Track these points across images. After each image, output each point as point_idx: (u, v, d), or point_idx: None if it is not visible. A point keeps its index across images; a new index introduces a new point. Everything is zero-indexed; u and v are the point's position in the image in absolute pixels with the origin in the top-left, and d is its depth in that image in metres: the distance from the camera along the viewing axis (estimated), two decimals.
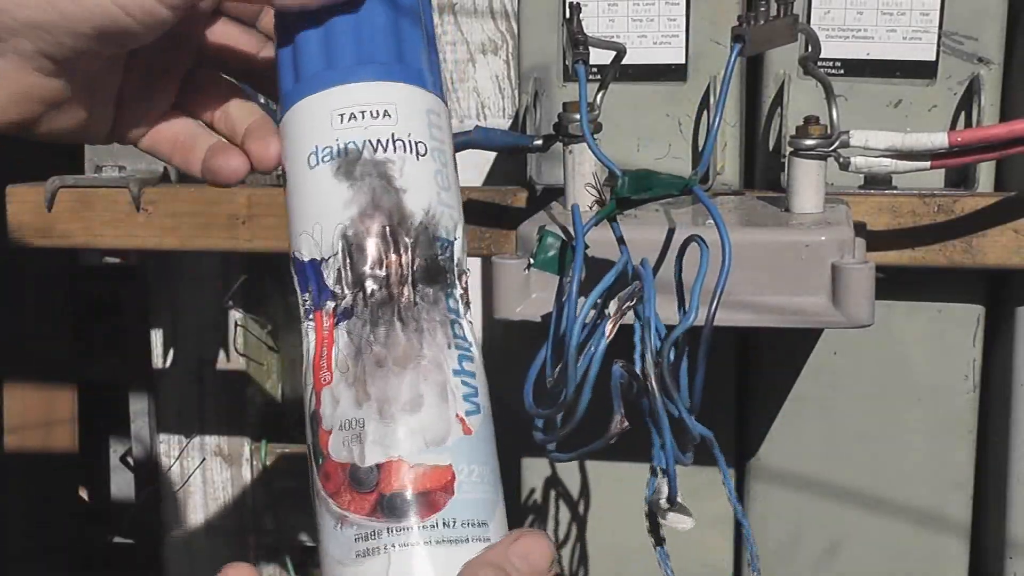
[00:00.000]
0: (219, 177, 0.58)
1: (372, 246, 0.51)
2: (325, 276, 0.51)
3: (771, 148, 1.10)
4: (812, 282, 0.86)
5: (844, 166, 0.96)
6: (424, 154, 0.52)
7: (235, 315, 1.50)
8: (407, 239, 0.51)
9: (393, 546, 0.48)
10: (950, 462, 1.12)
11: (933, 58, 1.06)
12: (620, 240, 0.75)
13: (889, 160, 0.95)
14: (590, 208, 0.86)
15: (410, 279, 0.51)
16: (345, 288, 0.51)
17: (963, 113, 1.07)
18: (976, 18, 1.05)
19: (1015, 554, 1.11)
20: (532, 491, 1.23)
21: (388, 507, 0.48)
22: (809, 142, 0.95)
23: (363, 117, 0.52)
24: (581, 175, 0.96)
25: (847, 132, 0.94)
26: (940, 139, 0.92)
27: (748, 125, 1.13)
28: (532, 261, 0.78)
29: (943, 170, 1.06)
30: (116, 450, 2.09)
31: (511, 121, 1.38)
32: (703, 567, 1.18)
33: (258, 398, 1.54)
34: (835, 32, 1.07)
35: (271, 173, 0.59)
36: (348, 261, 0.51)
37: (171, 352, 1.53)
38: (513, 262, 0.89)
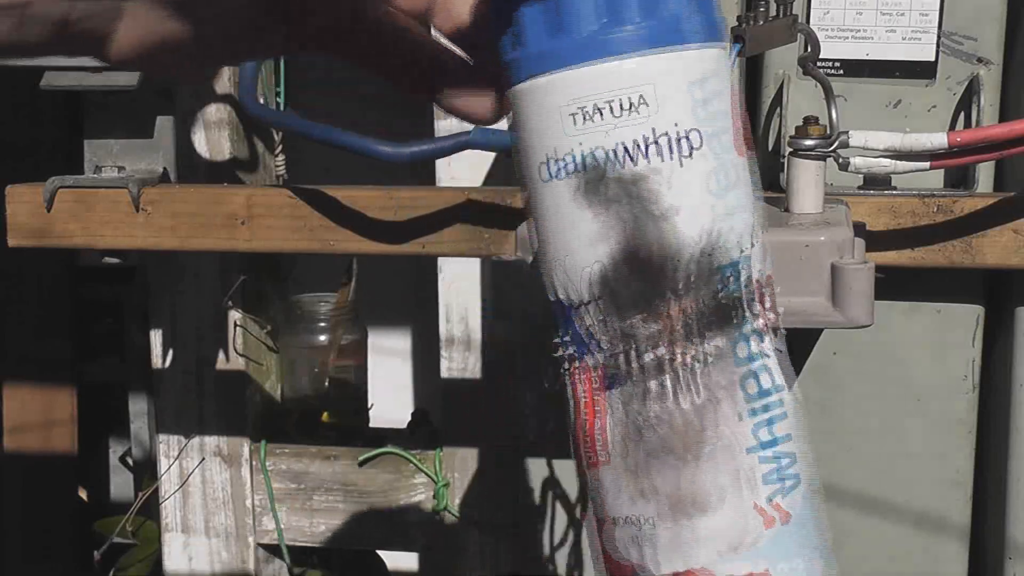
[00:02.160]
0: (470, 116, 0.45)
1: (633, 295, 0.40)
2: (578, 325, 0.41)
3: (770, 148, 1.10)
4: (812, 282, 0.86)
5: (843, 166, 0.96)
6: (695, 150, 0.39)
7: (234, 315, 1.50)
8: (678, 280, 0.40)
9: None
10: (950, 462, 1.12)
11: (932, 58, 1.06)
12: None
13: (888, 160, 0.95)
14: None
15: (686, 333, 0.40)
16: (612, 341, 0.40)
17: (962, 113, 1.07)
18: (975, 19, 1.05)
19: (1014, 554, 1.11)
20: (530, 492, 1.23)
21: None
22: (808, 142, 0.95)
23: (607, 113, 0.39)
24: None
25: (846, 132, 0.94)
26: (939, 139, 0.92)
27: (748, 125, 1.13)
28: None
29: (943, 170, 1.06)
30: (115, 450, 2.09)
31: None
32: None
33: (257, 398, 1.54)
34: (834, 32, 1.07)
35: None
36: (607, 312, 0.40)
37: (170, 352, 1.53)
38: None
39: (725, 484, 0.40)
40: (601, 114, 0.39)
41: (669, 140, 0.39)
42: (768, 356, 0.41)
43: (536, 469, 1.22)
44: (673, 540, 0.40)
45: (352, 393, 1.58)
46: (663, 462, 0.40)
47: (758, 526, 0.40)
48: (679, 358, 0.40)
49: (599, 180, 0.39)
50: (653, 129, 0.39)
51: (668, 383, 0.40)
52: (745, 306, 0.41)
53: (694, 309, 0.40)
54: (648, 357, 0.40)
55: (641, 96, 0.39)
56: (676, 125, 0.39)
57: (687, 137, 0.39)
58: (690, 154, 0.39)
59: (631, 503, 0.41)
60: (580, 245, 0.40)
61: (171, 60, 0.44)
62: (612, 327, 0.40)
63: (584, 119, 0.39)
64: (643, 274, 0.40)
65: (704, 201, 0.40)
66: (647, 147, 0.39)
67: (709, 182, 0.40)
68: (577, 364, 0.41)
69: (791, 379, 0.42)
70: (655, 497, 0.41)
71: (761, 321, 0.41)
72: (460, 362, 1.43)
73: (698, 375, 0.40)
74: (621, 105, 0.39)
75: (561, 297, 0.41)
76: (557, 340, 0.42)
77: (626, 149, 0.39)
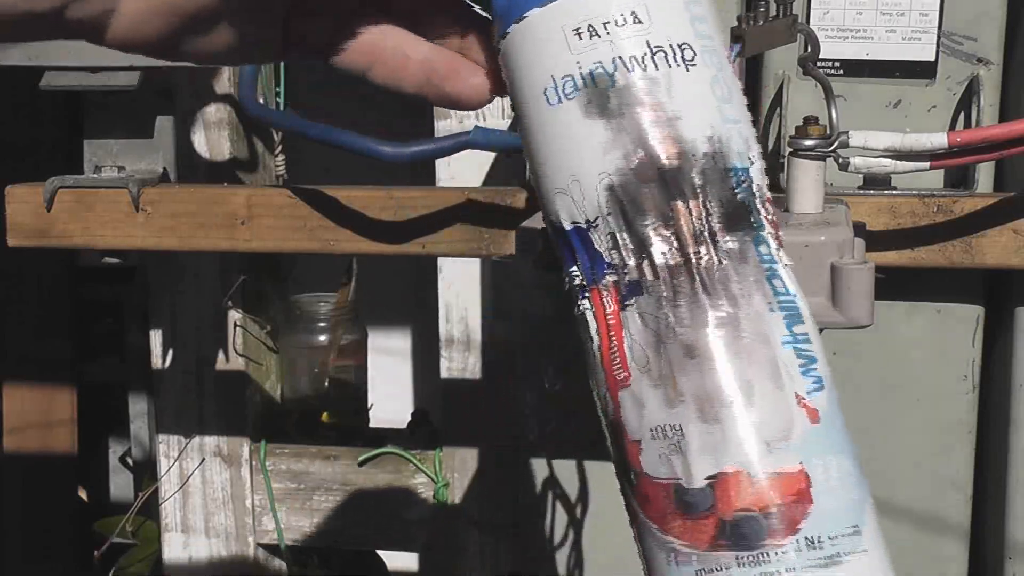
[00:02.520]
0: (460, 102, 0.45)
1: (650, 197, 0.40)
2: (596, 244, 0.41)
3: (770, 148, 1.10)
4: (811, 283, 0.86)
5: (843, 166, 0.96)
6: (693, 61, 0.41)
7: (234, 315, 1.50)
8: (694, 179, 0.40)
9: None
10: (949, 463, 1.12)
11: (932, 58, 1.06)
12: None
13: (888, 160, 0.95)
14: None
15: (707, 232, 0.40)
16: (626, 255, 0.41)
17: (962, 113, 1.07)
18: (975, 19, 1.05)
19: (1014, 554, 1.11)
20: (531, 492, 1.23)
21: (733, 533, 0.39)
22: (808, 142, 0.95)
23: (608, 29, 0.40)
24: None
25: (846, 132, 0.94)
26: (939, 139, 0.92)
27: None
28: None
29: (942, 170, 1.06)
30: (115, 450, 2.09)
31: (511, 121, 1.38)
32: None
33: (257, 398, 1.54)
34: (834, 32, 1.07)
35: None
36: (623, 221, 0.40)
37: (170, 352, 1.53)
38: None
39: (758, 376, 0.40)
40: (599, 32, 0.40)
41: (666, 52, 0.40)
42: (787, 264, 0.42)
43: (536, 469, 1.22)
44: (706, 444, 0.39)
45: (352, 393, 1.58)
46: (695, 363, 0.40)
47: (799, 420, 0.40)
48: (703, 256, 0.40)
49: (606, 92, 0.40)
50: (649, 42, 0.40)
51: (693, 283, 0.40)
52: (760, 209, 0.41)
53: (711, 209, 0.40)
54: (670, 261, 0.40)
55: (634, 13, 0.40)
56: (671, 39, 0.40)
57: (685, 47, 0.41)
58: (689, 64, 0.41)
59: (659, 414, 0.40)
60: (592, 159, 0.41)
61: (208, 40, 0.44)
62: (630, 237, 0.40)
63: (585, 36, 0.40)
64: (657, 176, 0.40)
65: (708, 105, 0.41)
66: (647, 58, 0.40)
67: (711, 89, 0.41)
68: (595, 287, 0.41)
69: (800, 291, 0.42)
70: (681, 402, 0.40)
71: (772, 230, 0.42)
72: (460, 362, 1.43)
73: (726, 271, 0.40)
74: (616, 22, 0.40)
75: (577, 222, 0.41)
76: (568, 273, 0.42)
77: (628, 60, 0.40)
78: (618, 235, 0.41)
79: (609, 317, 0.41)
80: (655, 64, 0.40)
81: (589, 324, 0.42)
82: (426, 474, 1.46)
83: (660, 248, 0.40)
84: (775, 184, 1.08)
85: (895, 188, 1.05)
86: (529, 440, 1.24)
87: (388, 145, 1.01)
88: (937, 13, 1.06)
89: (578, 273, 0.42)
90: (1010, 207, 1.00)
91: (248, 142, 1.47)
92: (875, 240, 1.01)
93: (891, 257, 1.02)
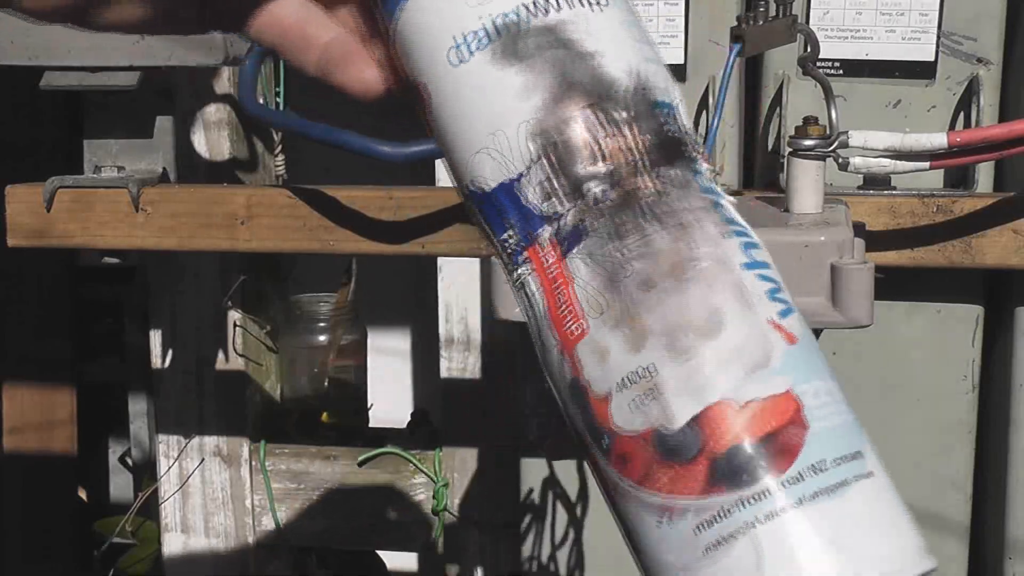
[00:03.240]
0: (349, 93, 0.44)
1: (579, 134, 0.37)
2: (529, 197, 0.38)
3: (770, 148, 1.10)
4: (811, 282, 0.86)
5: (843, 166, 0.96)
6: (606, 2, 0.39)
7: (234, 315, 1.50)
8: (623, 113, 0.38)
9: (755, 522, 0.35)
10: (949, 462, 1.12)
11: (932, 58, 1.06)
12: None
13: (888, 160, 0.95)
14: None
15: (646, 162, 0.38)
16: (561, 202, 0.38)
17: (962, 113, 1.07)
18: (975, 19, 1.05)
19: (1014, 554, 1.11)
20: (531, 491, 1.23)
21: (728, 472, 0.35)
22: (808, 142, 0.95)
23: None
24: None
25: (846, 132, 0.95)
26: (939, 139, 0.92)
27: (747, 125, 1.13)
28: None
29: (942, 170, 1.06)
30: (115, 450, 2.09)
31: None
32: None
33: (257, 398, 1.54)
34: (834, 32, 1.07)
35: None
36: (554, 165, 0.38)
37: (170, 353, 1.53)
38: None
39: (725, 301, 0.37)
40: None
41: None
42: (731, 202, 0.39)
43: (536, 469, 1.22)
44: (681, 381, 0.36)
45: (352, 393, 1.58)
46: (656, 295, 0.37)
47: (777, 343, 0.37)
48: (643, 188, 0.37)
49: (517, 37, 0.38)
50: None
51: (639, 214, 0.37)
52: (692, 146, 0.39)
53: (645, 141, 0.38)
54: (610, 197, 0.37)
55: None
56: None
57: None
58: (601, 4, 0.39)
59: (624, 360, 0.37)
60: (512, 107, 0.38)
61: (118, 10, 0.42)
62: (564, 181, 0.38)
63: None
64: (584, 113, 0.38)
65: (625, 44, 0.39)
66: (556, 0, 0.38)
67: (627, 30, 0.39)
68: (532, 246, 0.38)
69: (746, 221, 0.40)
70: (648, 340, 0.36)
71: (708, 169, 0.39)
72: (460, 362, 1.43)
73: (672, 199, 0.37)
74: None
75: (504, 180, 0.38)
76: (500, 241, 0.39)
77: (534, 3, 0.38)
78: (551, 181, 0.38)
79: (552, 272, 0.38)
80: (570, 4, 0.38)
81: (530, 287, 0.39)
82: (426, 474, 1.46)
83: (599, 186, 0.37)
84: (775, 184, 1.08)
85: (895, 188, 1.05)
86: (529, 440, 1.24)
87: (388, 145, 1.01)
88: (937, 13, 1.06)
89: (511, 236, 0.39)
90: (1010, 207, 1.00)
91: (248, 142, 1.47)
92: (875, 240, 1.01)
93: (891, 257, 1.02)
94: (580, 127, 0.37)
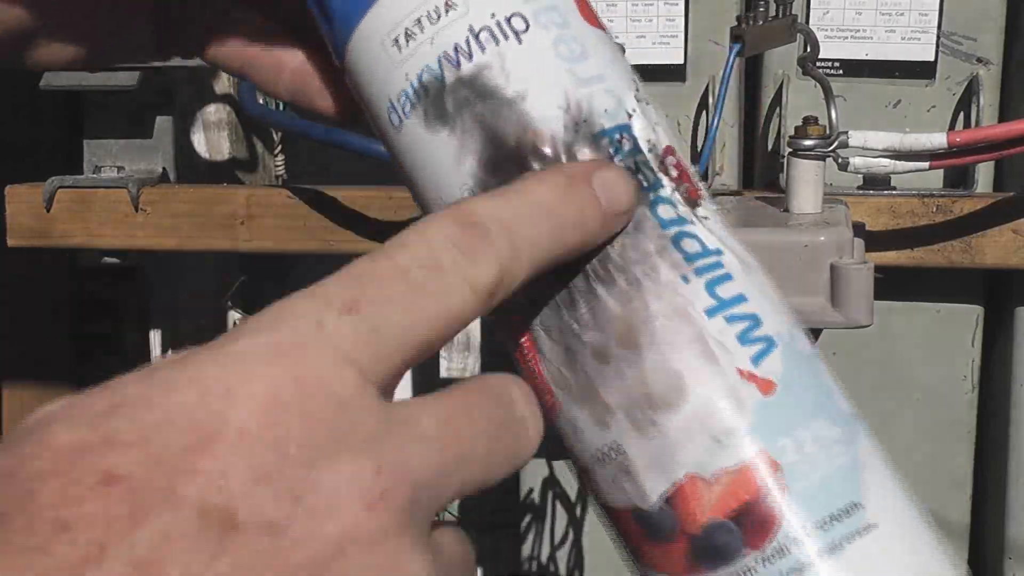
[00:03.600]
0: (323, 116, 0.43)
1: None
2: None
3: (770, 148, 1.10)
4: (811, 283, 0.86)
5: (843, 166, 0.96)
6: (525, 29, 0.35)
7: (234, 316, 1.50)
8: (562, 157, 0.35)
9: None
10: (949, 462, 1.12)
11: (932, 58, 1.06)
12: None
13: (888, 160, 0.95)
14: None
15: None
16: None
17: (962, 113, 1.07)
18: (975, 18, 1.05)
19: (1014, 554, 1.11)
20: (530, 491, 1.23)
21: (706, 553, 0.33)
22: (808, 142, 0.95)
23: (423, 27, 0.36)
24: None
25: (846, 132, 0.95)
26: (939, 139, 0.92)
27: (747, 125, 1.13)
28: None
29: (942, 170, 1.06)
30: None
31: None
32: None
33: None
34: (834, 32, 1.07)
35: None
36: None
37: (170, 353, 1.53)
38: None
39: (686, 362, 0.34)
40: (415, 34, 0.36)
41: (492, 30, 0.35)
42: (702, 216, 0.36)
43: (536, 469, 1.22)
44: (648, 458, 0.34)
45: None
46: (606, 371, 0.34)
47: (750, 394, 0.33)
48: None
49: (441, 94, 0.35)
50: (471, 25, 0.35)
51: (588, 276, 0.34)
52: (654, 169, 0.36)
53: None
54: None
55: (446, 1, 0.35)
56: (495, 14, 0.35)
57: (511, 18, 0.35)
58: (522, 34, 0.35)
59: (594, 436, 0.35)
60: (448, 174, 0.36)
61: (51, 50, 0.43)
62: None
63: (403, 42, 0.36)
64: (516, 166, 0.35)
65: (555, 72, 0.35)
66: (472, 43, 0.35)
67: (555, 54, 0.35)
68: (499, 316, 0.36)
69: (730, 241, 0.36)
70: (612, 417, 0.34)
71: (676, 184, 0.36)
72: (460, 362, 1.43)
73: (620, 251, 0.34)
74: (431, 16, 0.35)
75: None
76: None
77: (452, 53, 0.35)
78: None
79: (524, 345, 0.36)
80: (481, 48, 0.35)
81: (512, 353, 0.37)
82: None
83: None
84: (775, 184, 1.08)
85: (895, 188, 1.05)
86: None
87: None
88: (937, 13, 1.06)
89: None
90: (1010, 207, 1.00)
91: (248, 142, 1.47)
92: (875, 240, 1.01)
93: (891, 257, 1.02)
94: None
